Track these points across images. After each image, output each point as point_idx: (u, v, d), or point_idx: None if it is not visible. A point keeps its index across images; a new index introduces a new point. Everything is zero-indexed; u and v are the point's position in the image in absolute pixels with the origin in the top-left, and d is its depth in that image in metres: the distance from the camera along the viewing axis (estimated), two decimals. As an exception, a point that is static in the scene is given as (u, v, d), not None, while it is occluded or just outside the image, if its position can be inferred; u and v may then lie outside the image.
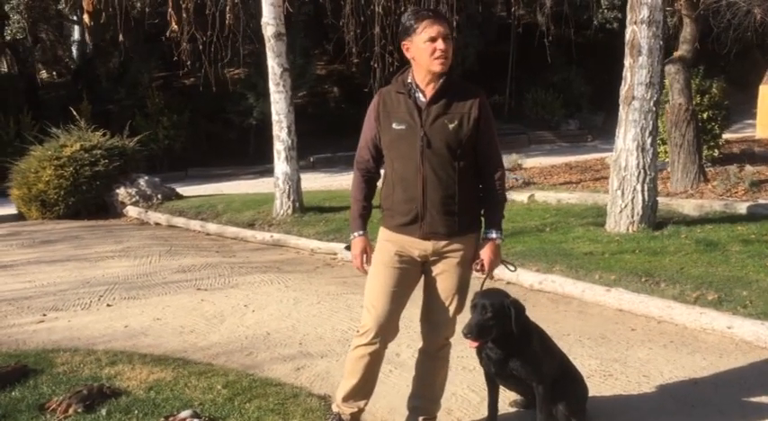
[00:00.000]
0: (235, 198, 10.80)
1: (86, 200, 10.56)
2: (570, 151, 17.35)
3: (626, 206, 7.14)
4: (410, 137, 3.09)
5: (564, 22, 11.94)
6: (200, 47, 9.48)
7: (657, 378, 4.03)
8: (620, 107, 7.15)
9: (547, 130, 20.03)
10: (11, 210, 11.20)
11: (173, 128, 16.76)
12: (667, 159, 9.98)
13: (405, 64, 3.27)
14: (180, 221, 9.69)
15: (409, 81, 3.16)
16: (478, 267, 3.18)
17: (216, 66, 14.90)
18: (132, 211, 10.39)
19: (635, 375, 4.07)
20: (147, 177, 11.02)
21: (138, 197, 10.59)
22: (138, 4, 13.70)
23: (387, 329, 3.13)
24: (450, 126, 3.08)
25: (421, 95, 3.13)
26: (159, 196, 10.74)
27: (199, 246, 8.39)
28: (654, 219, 7.20)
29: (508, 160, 13.00)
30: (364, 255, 3.23)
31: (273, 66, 8.85)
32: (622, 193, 7.16)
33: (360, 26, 9.05)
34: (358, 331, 3.16)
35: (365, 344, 3.13)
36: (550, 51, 18.16)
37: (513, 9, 9.77)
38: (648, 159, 7.09)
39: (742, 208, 7.77)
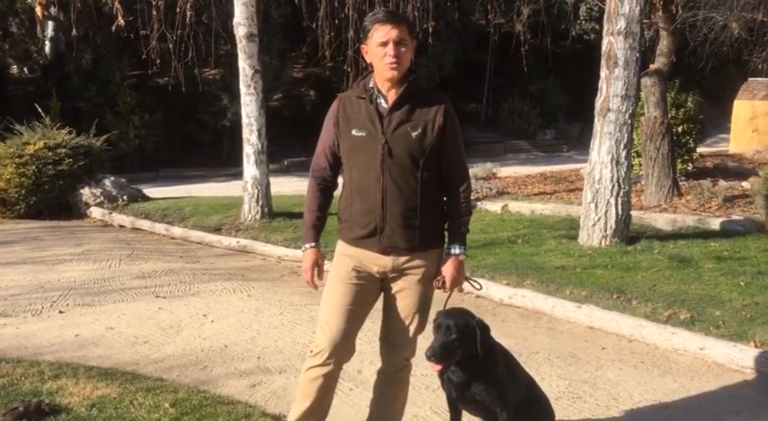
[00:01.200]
0: (203, 201, 10.54)
1: (49, 199, 10.24)
2: (546, 161, 17.33)
3: (599, 219, 7.02)
4: (370, 144, 2.91)
5: (542, 32, 11.87)
6: (170, 46, 9.23)
7: (627, 401, 3.88)
8: (596, 119, 7.03)
9: (523, 140, 20.00)
10: (-29, 208, 10.84)
11: (144, 127, 16.45)
12: (641, 172, 9.91)
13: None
14: (145, 224, 9.42)
15: (371, 86, 2.98)
16: (440, 284, 3.00)
17: (185, 65, 14.67)
18: (96, 213, 10.10)
19: (604, 398, 3.92)
20: (112, 178, 10.73)
21: (102, 198, 10.30)
22: (109, 0, 13.38)
23: (342, 350, 2.93)
24: (413, 134, 2.90)
25: (383, 101, 2.96)
26: (125, 197, 10.46)
27: (162, 250, 8.14)
28: (627, 233, 7.09)
29: (483, 169, 12.92)
30: (315, 269, 3.04)
31: (245, 67, 8.64)
32: (596, 206, 7.04)
33: (334, 29, 8.88)
34: (311, 351, 2.97)
35: (318, 366, 2.93)
36: (528, 61, 18.13)
37: (491, 17, 9.62)
38: (623, 172, 6.98)
39: (715, 223, 7.69)
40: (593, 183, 7.07)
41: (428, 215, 2.95)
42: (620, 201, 6.98)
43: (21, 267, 7.17)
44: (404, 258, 2.97)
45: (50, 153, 10.25)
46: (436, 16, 16.58)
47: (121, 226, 9.67)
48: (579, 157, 16.19)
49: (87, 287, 6.42)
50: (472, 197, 10.19)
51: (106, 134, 15.44)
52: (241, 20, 8.53)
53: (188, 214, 9.52)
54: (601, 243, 6.99)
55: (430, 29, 8.80)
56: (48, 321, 5.41)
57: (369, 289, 3.01)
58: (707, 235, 7.30)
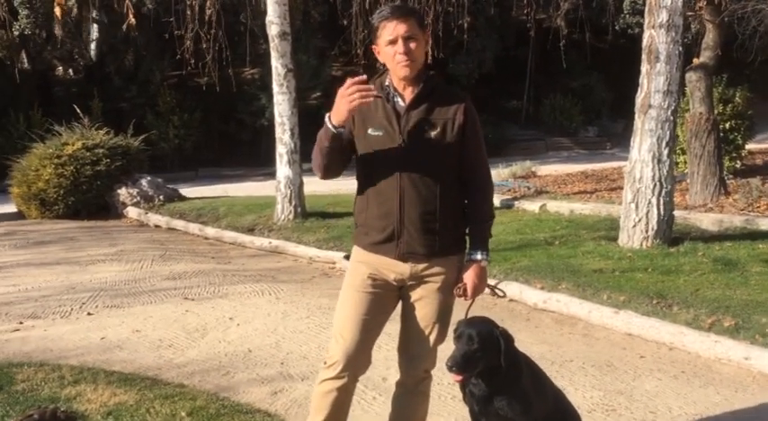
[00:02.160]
0: (238, 201, 10.52)
1: (87, 199, 10.33)
2: (588, 159, 16.94)
3: (640, 220, 6.75)
4: (387, 144, 2.76)
5: (582, 27, 11.55)
6: (204, 46, 9.21)
7: (665, 414, 3.66)
8: (636, 116, 6.77)
9: (565, 137, 19.62)
10: (12, 208, 10.99)
11: (183, 127, 16.55)
12: (686, 170, 9.56)
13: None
14: (179, 224, 9.42)
15: (387, 84, 2.83)
16: (460, 292, 2.84)
17: (223, 65, 14.70)
18: (132, 212, 10.15)
19: (641, 411, 3.71)
20: (149, 178, 10.77)
21: (139, 198, 10.34)
22: (149, 1, 13.49)
23: (356, 362, 2.79)
24: (432, 133, 2.74)
25: (400, 100, 2.81)
26: (161, 197, 10.49)
27: (195, 251, 8.11)
28: (669, 234, 6.81)
29: (522, 167, 12.66)
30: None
31: (277, 66, 8.56)
32: (636, 207, 6.77)
33: (367, 26, 8.69)
34: (325, 362, 2.84)
35: (332, 378, 2.79)
36: (570, 56, 17.74)
37: (528, 12, 9.38)
38: (665, 171, 6.70)
39: (765, 224, 7.35)
40: (633, 183, 6.81)
41: (448, 219, 2.80)
42: (661, 201, 6.71)
43: (54, 268, 7.20)
44: (423, 265, 2.81)
45: (88, 153, 10.34)
46: (474, 12, 16.38)
47: (157, 226, 9.69)
48: (623, 155, 15.71)
49: (117, 288, 6.40)
50: (509, 196, 9.96)
51: (146, 134, 15.72)
52: (273, 18, 8.45)
53: (222, 214, 9.49)
54: (642, 245, 6.72)
55: (465, 25, 8.58)
56: (76, 323, 5.39)
57: (385, 297, 2.87)
58: (755, 236, 6.97)
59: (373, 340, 2.86)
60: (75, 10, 7.48)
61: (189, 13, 9.02)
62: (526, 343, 4.84)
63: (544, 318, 5.37)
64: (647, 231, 6.72)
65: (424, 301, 2.85)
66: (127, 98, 16.79)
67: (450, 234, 2.81)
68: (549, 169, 13.98)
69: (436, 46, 15.11)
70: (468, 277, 2.82)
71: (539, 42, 19.10)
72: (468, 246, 2.89)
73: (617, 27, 19.00)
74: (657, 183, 6.70)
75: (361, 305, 2.82)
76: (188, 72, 13.77)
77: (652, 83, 6.59)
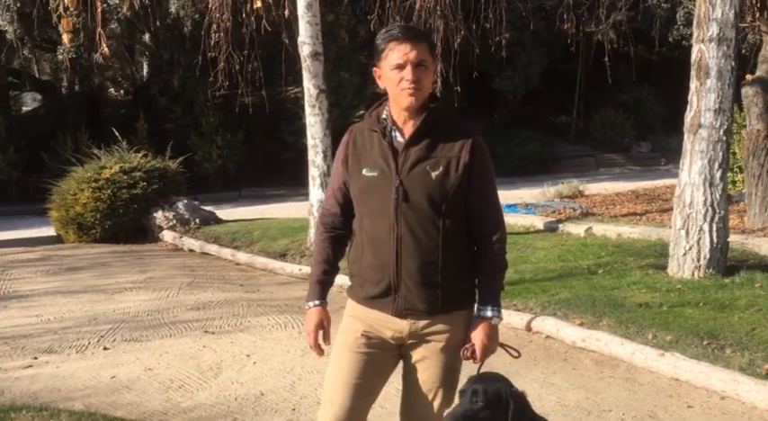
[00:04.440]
0: (274, 224, 10.31)
1: (123, 223, 10.27)
2: (641, 176, 16.30)
3: (690, 248, 6.26)
4: (383, 186, 2.45)
5: (631, 39, 11.06)
6: (237, 67, 9.07)
7: (713, 481, 3.23)
8: (685, 136, 6.30)
9: (616, 153, 18.95)
10: (53, 231, 11.01)
11: (226, 147, 16.50)
12: (744, 190, 8.97)
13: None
14: (212, 249, 9.25)
15: (384, 116, 2.52)
16: (468, 353, 2.49)
17: (265, 85, 14.58)
18: (168, 236, 10.04)
19: (685, 476, 3.28)
20: (186, 200, 10.66)
21: (175, 221, 10.23)
22: (189, 23, 13.51)
23: (347, 433, 2.47)
24: (434, 174, 2.42)
25: (398, 135, 2.49)
26: (197, 220, 10.36)
27: (225, 277, 7.90)
28: (724, 263, 6.30)
29: (568, 186, 12.15)
30: (320, 332, 2.59)
31: (309, 87, 8.34)
32: (687, 233, 6.29)
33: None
34: (313, 432, 2.53)
35: (321, 450, 2.48)
36: (622, 70, 17.18)
37: (569, 26, 8.98)
38: (718, 195, 6.20)
39: (830, 251, 6.77)
40: (683, 208, 6.33)
41: (452, 271, 2.46)
42: (714, 228, 6.21)
43: (81, 296, 7.07)
44: (423, 322, 2.48)
45: (125, 176, 10.28)
46: (520, 26, 15.97)
47: (191, 250, 9.55)
48: (678, 171, 15.10)
49: (139, 319, 6.22)
50: (554, 218, 9.47)
51: (190, 155, 15.71)
52: (305, 38, 8.24)
53: (256, 238, 9.29)
54: (693, 275, 6.23)
55: (503, 41, 8.23)
56: (90, 359, 5.20)
57: (382, 358, 2.54)
58: (820, 265, 6.42)
59: (368, 407, 2.54)
60: (119, 31, 7.37)
61: (222, 35, 8.88)
62: (561, 388, 4.46)
63: (583, 359, 4.95)
64: (698, 260, 6.23)
65: (427, 363, 2.51)
66: (171, 119, 16.85)
67: (454, 287, 2.48)
68: (599, 187, 13.43)
69: (479, 62, 14.76)
70: (477, 337, 2.48)
71: (588, 55, 18.58)
72: (477, 300, 2.55)
73: (670, 38, 18.33)
74: (710, 209, 6.21)
75: (353, 367, 2.51)
76: (232, 92, 13.74)
77: (702, 101, 6.13)
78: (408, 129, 2.47)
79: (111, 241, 10.27)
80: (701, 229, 6.22)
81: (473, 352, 2.49)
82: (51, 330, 5.94)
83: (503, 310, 5.71)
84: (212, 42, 9.18)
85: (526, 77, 17.92)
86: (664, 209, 10.20)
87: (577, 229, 8.74)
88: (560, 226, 9.04)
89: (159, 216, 10.27)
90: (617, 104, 19.18)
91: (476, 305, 2.54)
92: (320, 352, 2.63)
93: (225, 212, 12.47)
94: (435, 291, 2.45)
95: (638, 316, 5.30)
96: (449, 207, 2.43)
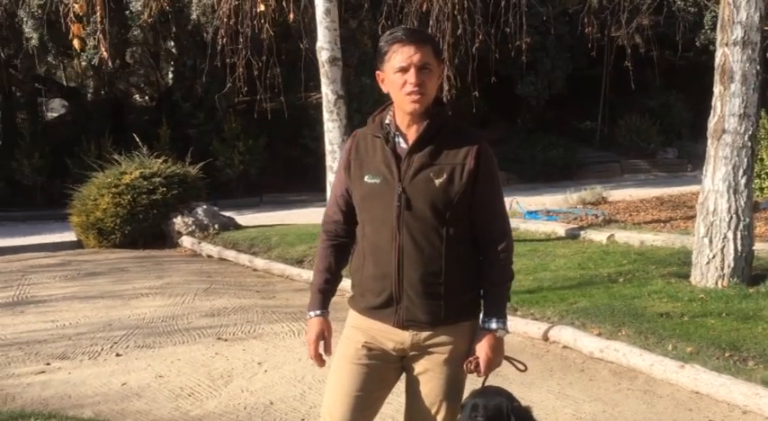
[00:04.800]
0: (292, 229, 10.28)
1: (143, 229, 10.29)
2: (667, 182, 16.05)
3: (714, 257, 6.11)
4: (385, 194, 2.38)
5: (657, 43, 10.86)
6: (255, 73, 9.05)
7: None
8: (709, 142, 6.15)
9: (642, 159, 18.70)
10: (74, 236, 11.07)
11: (248, 153, 16.53)
12: (771, 197, 8.77)
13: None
14: (230, 254, 9.24)
15: (387, 121, 2.45)
16: (472, 366, 2.40)
17: (287, 91, 14.53)
18: (187, 242, 10.04)
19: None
20: (205, 206, 10.66)
21: (194, 227, 10.23)
22: (210, 29, 13.56)
23: (347, 448, 2.40)
24: (437, 181, 2.35)
25: (402, 140, 2.42)
26: (216, 226, 10.35)
27: (241, 284, 7.87)
28: (749, 272, 6.14)
29: (592, 193, 11.98)
30: (321, 342, 2.53)
31: (327, 93, 8.27)
32: (710, 242, 6.14)
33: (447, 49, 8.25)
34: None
35: (319, 465, 2.41)
36: (647, 74, 16.92)
37: (589, 30, 8.84)
38: (742, 202, 6.05)
39: None
40: (706, 215, 6.18)
41: (456, 281, 2.38)
42: (739, 236, 6.05)
43: (97, 302, 7.07)
44: (426, 334, 2.41)
45: (145, 182, 10.31)
46: (543, 31, 15.84)
47: (209, 256, 9.54)
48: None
49: (153, 326, 6.19)
50: (575, 225, 9.33)
51: (212, 160, 15.75)
52: (324, 44, 8.19)
53: (274, 244, 9.25)
54: (717, 284, 6.08)
55: (523, 46, 8.11)
56: (102, 366, 5.18)
57: (384, 370, 2.47)
58: None
59: (369, 420, 2.46)
60: (75, 40, 7.37)
61: (241, 40, 8.87)
62: (578, 400, 4.35)
63: (600, 370, 4.83)
64: (722, 269, 6.07)
65: (430, 375, 2.43)
66: (194, 125, 16.93)
67: (458, 298, 2.40)
68: (623, 194, 13.23)
69: (501, 67, 14.58)
70: (481, 349, 2.39)
71: (613, 60, 18.37)
72: (482, 312, 2.47)
73: (697, 43, 18.07)
74: (734, 216, 6.05)
75: (354, 379, 2.43)
76: (253, 98, 13.80)
77: (726, 106, 5.98)
78: (412, 134, 2.40)
79: (131, 246, 10.29)
80: (724, 237, 6.07)
81: (477, 365, 2.40)
82: (66, 336, 5.94)
83: (519, 319, 5.65)
84: (230, 48, 9.17)
85: (549, 82, 17.75)
86: (689, 216, 10.00)
87: (599, 236, 8.60)
88: (582, 233, 8.90)
89: (178, 221, 10.28)
90: (643, 110, 18.93)
91: (481, 316, 2.45)
92: (321, 363, 2.57)
93: (246, 218, 12.48)
94: (438, 301, 2.37)
95: (658, 326, 5.16)
96: (452, 215, 2.35)
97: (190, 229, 10.19)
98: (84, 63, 14.17)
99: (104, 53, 7.65)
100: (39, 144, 16.33)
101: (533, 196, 14.03)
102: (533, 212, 10.53)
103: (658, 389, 4.46)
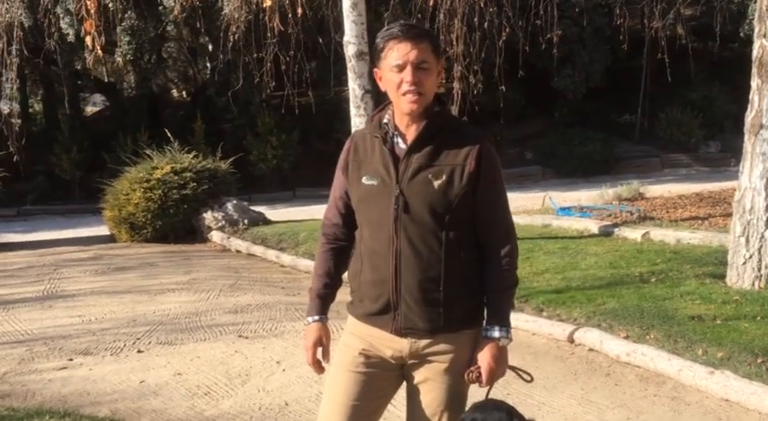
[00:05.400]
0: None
1: (174, 223, 10.35)
2: (708, 177, 15.61)
3: (751, 257, 5.88)
4: (383, 196, 2.29)
5: (694, 34, 10.53)
6: (284, 67, 9.01)
7: None
8: (746, 137, 5.93)
9: (683, 153, 18.21)
10: (107, 231, 11.20)
11: (281, 147, 16.55)
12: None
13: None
14: (258, 250, 9.23)
15: (386, 121, 2.35)
16: (473, 377, 2.30)
17: (322, 85, 14.47)
18: (216, 237, 10.07)
19: None
20: (235, 201, 10.68)
21: (224, 222, 10.26)
22: (243, 24, 13.59)
23: (343, 459, 2.32)
24: (436, 183, 2.24)
25: (401, 141, 2.32)
26: (246, 221, 10.37)
27: (267, 280, 7.85)
28: (787, 273, 5.90)
29: (628, 188, 11.69)
30: (319, 349, 2.45)
31: (354, 87, 8.20)
32: (747, 241, 5.91)
33: (472, 43, 8.09)
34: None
35: (314, 477, 2.34)
36: (689, 66, 16.48)
37: (626, 20, 8.58)
38: (781, 200, 5.80)
39: None
40: (743, 213, 5.95)
41: (456, 287, 2.28)
42: (777, 236, 5.81)
43: (123, 297, 7.12)
44: (425, 342, 2.31)
45: (176, 177, 10.37)
46: (581, 23, 15.50)
47: (238, 251, 9.56)
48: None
49: (177, 322, 6.20)
50: (609, 222, 9.06)
51: (246, 155, 15.80)
52: (350, 38, 8.11)
53: (302, 240, 9.22)
54: (753, 285, 5.85)
55: (554, 38, 7.91)
56: (122, 362, 5.19)
57: (382, 378, 2.38)
58: None
59: (366, 432, 2.37)
60: (87, 37, 7.40)
61: (269, 34, 8.83)
62: (601, 406, 4.21)
63: (627, 374, 4.67)
64: (759, 270, 5.84)
65: (430, 385, 2.33)
66: (228, 120, 17.02)
67: (459, 305, 2.29)
68: (662, 189, 12.89)
69: (538, 60, 14.30)
70: (483, 359, 2.29)
71: (654, 52, 17.91)
72: (485, 319, 2.36)
73: (741, 34, 17.55)
74: (772, 215, 5.81)
75: (351, 388, 2.35)
76: (288, 93, 13.83)
77: (764, 100, 5.75)
78: (410, 134, 2.30)
79: (162, 241, 10.37)
80: (762, 237, 5.84)
81: (479, 375, 2.30)
82: (90, 331, 5.97)
83: (545, 320, 5.50)
84: (264, 43, 9.15)
85: (587, 75, 17.39)
86: (729, 213, 9.64)
87: (634, 234, 8.37)
88: (616, 230, 8.67)
89: (208, 216, 10.31)
90: (684, 103, 18.43)
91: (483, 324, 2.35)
92: (320, 370, 2.49)
93: (278, 212, 12.49)
94: (437, 308, 2.27)
95: (688, 329, 4.97)
96: (452, 218, 2.25)
97: (220, 224, 10.23)
98: (119, 58, 14.33)
99: (99, 52, 7.63)
100: (77, 138, 16.60)
101: (570, 191, 13.78)
102: (566, 209, 10.32)
103: (687, 395, 4.29)
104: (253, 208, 11.05)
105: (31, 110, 22.57)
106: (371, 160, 2.34)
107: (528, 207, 11.05)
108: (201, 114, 16.62)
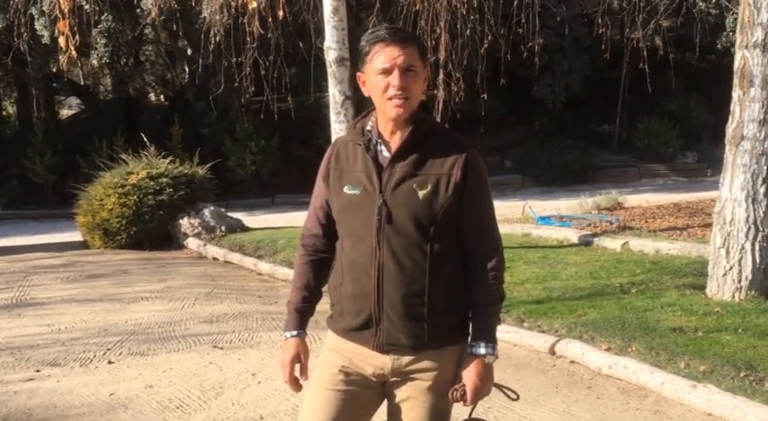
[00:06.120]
0: (300, 232, 10.09)
1: (149, 230, 10.15)
2: (685, 187, 15.72)
3: (731, 268, 5.85)
4: (365, 206, 2.19)
5: (672, 45, 10.58)
6: (263, 73, 8.90)
7: None
8: (727, 148, 5.90)
9: (660, 163, 18.34)
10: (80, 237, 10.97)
11: (261, 153, 16.41)
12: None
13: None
14: (235, 257, 9.08)
15: (369, 128, 2.26)
16: (458, 395, 2.21)
17: (299, 91, 14.35)
18: (192, 244, 9.90)
19: None
20: (212, 207, 10.51)
21: (200, 228, 10.09)
22: (221, 28, 13.46)
23: (320, 483, 2.21)
24: (421, 193, 2.15)
25: (384, 149, 2.23)
26: (223, 228, 10.20)
27: (244, 288, 7.71)
28: (767, 285, 5.88)
29: (607, 198, 11.70)
30: (297, 365, 2.35)
31: (335, 93, 8.09)
32: (727, 252, 5.88)
33: (454, 50, 8.02)
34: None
35: None
36: (667, 77, 16.60)
37: (608, 29, 8.57)
38: (761, 212, 5.78)
39: None
40: (723, 225, 5.93)
41: (441, 302, 2.19)
42: (757, 247, 5.79)
43: (95, 305, 6.94)
44: (408, 358, 2.21)
45: (152, 183, 10.18)
46: (561, 32, 15.54)
47: (214, 258, 9.40)
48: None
49: (149, 332, 6.04)
50: (589, 231, 9.02)
51: (224, 160, 15.63)
52: (331, 43, 8.01)
53: (280, 247, 9.08)
54: (734, 296, 5.82)
55: (536, 47, 7.88)
56: (92, 374, 5.03)
57: (363, 396, 2.28)
58: None
59: (345, 453, 2.27)
60: (60, 37, 7.21)
61: (248, 39, 8.71)
62: (583, 419, 4.15)
63: (609, 387, 4.60)
64: (739, 281, 5.82)
65: (412, 403, 2.24)
66: (206, 124, 16.84)
67: (443, 320, 2.20)
68: (640, 199, 12.94)
69: (518, 68, 14.30)
70: (468, 376, 2.19)
71: (633, 63, 18.00)
72: (470, 335, 2.27)
73: (719, 46, 17.71)
74: (752, 226, 5.79)
75: (330, 407, 2.24)
76: (267, 98, 13.73)
77: (745, 111, 5.73)
78: (395, 142, 2.21)
79: (137, 248, 10.17)
80: (742, 248, 5.81)
81: (463, 393, 2.20)
82: (59, 341, 5.80)
83: (526, 332, 5.42)
84: (237, 48, 9.03)
85: (566, 85, 17.45)
86: (707, 223, 9.71)
87: (613, 244, 8.34)
88: (595, 240, 8.64)
89: (185, 223, 10.14)
90: (662, 113, 18.57)
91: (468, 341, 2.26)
92: (297, 387, 2.39)
93: (257, 219, 12.34)
94: (421, 324, 2.18)
95: (670, 341, 4.92)
96: (437, 230, 2.16)
97: (196, 231, 10.06)
98: (95, 61, 14.11)
99: (73, 53, 7.47)
100: (52, 142, 16.33)
101: (549, 200, 13.79)
102: (546, 218, 10.29)
103: (669, 409, 4.23)
104: (231, 214, 10.88)
105: (4, 112, 22.23)
106: (354, 169, 2.25)
107: (507, 216, 11.01)
108: (179, 119, 16.45)
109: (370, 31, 2.23)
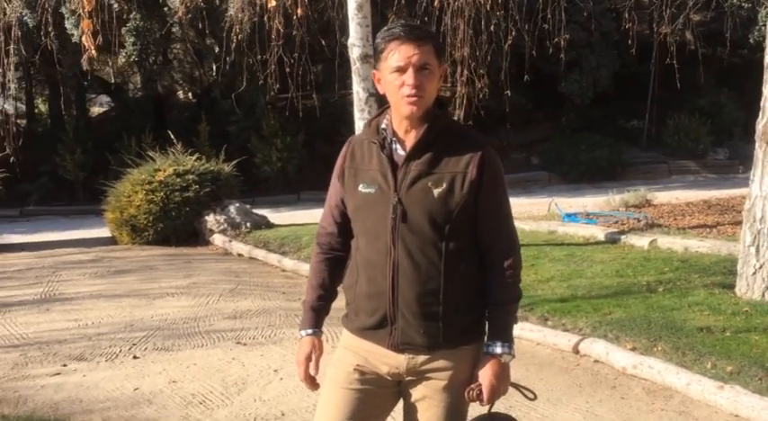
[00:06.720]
0: (324, 229, 10.11)
1: (176, 226, 10.25)
2: (716, 184, 15.46)
3: (761, 267, 5.75)
4: (380, 204, 2.18)
5: (703, 40, 10.40)
6: (287, 70, 8.92)
7: None
8: (757, 145, 5.80)
9: (690, 160, 18.04)
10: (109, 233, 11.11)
11: (286, 150, 16.45)
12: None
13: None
14: (260, 254, 9.12)
15: (384, 126, 2.25)
16: (474, 394, 2.18)
17: (326, 88, 14.35)
18: (218, 240, 9.96)
19: None
20: (237, 204, 10.57)
21: (226, 225, 10.15)
22: (247, 25, 13.52)
23: (335, 482, 2.20)
24: (436, 191, 2.13)
25: (399, 147, 2.21)
26: (248, 224, 10.26)
27: (268, 284, 7.74)
28: (798, 284, 5.76)
29: (635, 195, 11.55)
30: (310, 363, 2.34)
31: (359, 90, 8.09)
32: (757, 251, 5.78)
33: (478, 46, 7.97)
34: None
35: None
36: (698, 72, 16.36)
37: (635, 24, 8.44)
38: (792, 210, 5.67)
39: None
40: (753, 223, 5.82)
41: (456, 301, 2.17)
42: (788, 246, 5.68)
43: (122, 301, 7.02)
44: (423, 358, 2.20)
45: (179, 179, 10.27)
46: (589, 27, 15.37)
47: (239, 255, 9.46)
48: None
49: (174, 327, 6.09)
50: (616, 229, 8.93)
51: (250, 157, 15.69)
52: (355, 40, 8.00)
53: (305, 244, 9.10)
54: (764, 296, 5.72)
55: (562, 43, 7.79)
56: (117, 368, 5.09)
57: (378, 395, 2.27)
58: None
59: (360, 451, 2.26)
60: (83, 37, 7.29)
61: (273, 36, 8.74)
62: (606, 420, 4.08)
63: (633, 387, 4.54)
64: (769, 280, 5.71)
65: (428, 403, 2.22)
66: (233, 121, 16.92)
67: (459, 319, 2.18)
68: (669, 196, 12.76)
69: (545, 64, 14.16)
70: (485, 376, 2.17)
71: (662, 58, 17.73)
72: (486, 334, 2.25)
73: (751, 40, 17.38)
74: (783, 224, 5.68)
75: (345, 406, 2.24)
76: (293, 95, 13.79)
77: (776, 107, 5.62)
78: (410, 140, 2.19)
79: (164, 244, 10.27)
80: (772, 247, 5.70)
81: (479, 393, 2.18)
82: (86, 336, 5.88)
83: (550, 330, 5.38)
84: (262, 45, 9.06)
85: (594, 80, 17.23)
86: (737, 221, 9.53)
87: (641, 242, 8.24)
88: (622, 237, 8.54)
89: (210, 219, 10.21)
90: (692, 109, 18.27)
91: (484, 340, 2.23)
92: (313, 386, 2.38)
93: (282, 215, 12.38)
94: (436, 323, 2.16)
95: (697, 341, 4.85)
96: (452, 228, 2.14)
97: (222, 227, 10.12)
98: (123, 59, 14.26)
99: (93, 53, 7.54)
100: (82, 139, 16.52)
101: (576, 197, 13.66)
102: (572, 215, 10.19)
103: (695, 410, 4.16)
104: (256, 211, 10.93)
105: (36, 110, 22.55)
106: (369, 167, 2.23)
107: (533, 213, 10.92)
108: (206, 116, 16.54)
109: (385, 29, 2.21)
